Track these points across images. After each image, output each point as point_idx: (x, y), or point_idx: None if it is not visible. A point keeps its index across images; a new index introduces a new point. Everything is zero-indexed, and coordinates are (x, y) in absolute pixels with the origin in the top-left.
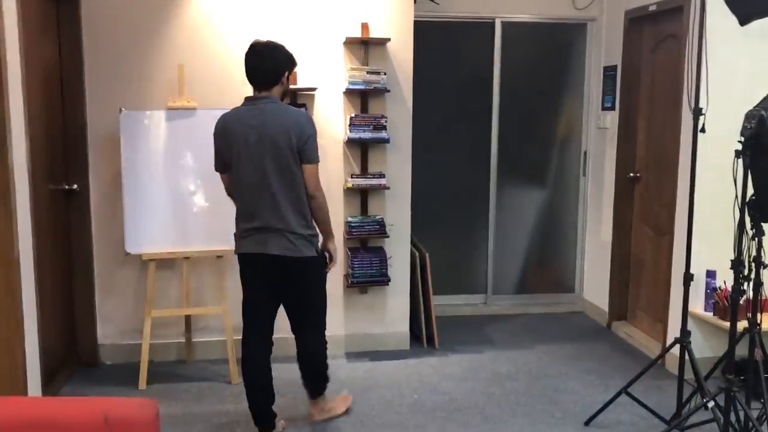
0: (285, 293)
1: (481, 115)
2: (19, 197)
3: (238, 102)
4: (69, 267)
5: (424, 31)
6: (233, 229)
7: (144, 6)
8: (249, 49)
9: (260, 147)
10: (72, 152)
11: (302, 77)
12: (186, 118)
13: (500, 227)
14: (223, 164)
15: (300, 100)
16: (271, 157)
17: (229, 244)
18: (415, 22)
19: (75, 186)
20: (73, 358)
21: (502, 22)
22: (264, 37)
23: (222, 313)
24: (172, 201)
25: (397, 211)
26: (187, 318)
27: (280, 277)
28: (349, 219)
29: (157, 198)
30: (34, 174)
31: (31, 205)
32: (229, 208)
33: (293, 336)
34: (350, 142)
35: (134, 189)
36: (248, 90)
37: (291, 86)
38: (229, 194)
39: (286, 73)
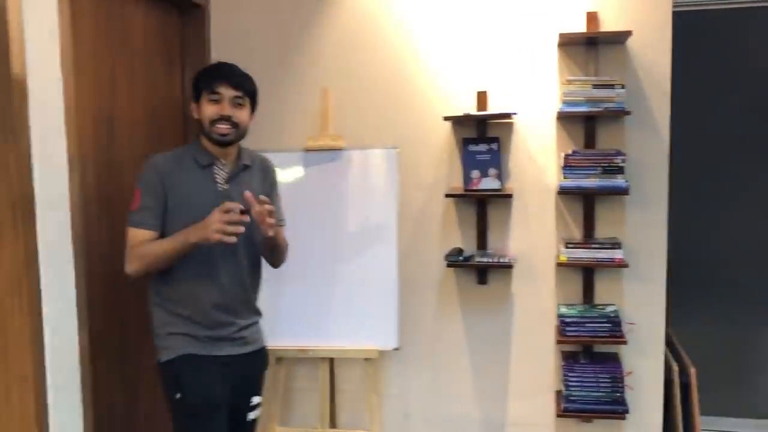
0: None
1: None
2: (51, 281)
3: (404, 139)
4: None
5: (681, 25)
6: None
7: (283, 15)
8: None
9: None
10: None
11: (494, 98)
12: (330, 161)
13: None
14: None
15: (492, 131)
16: None
17: (380, 339)
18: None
19: None
20: None
21: None
22: (437, 44)
23: None
24: (309, 276)
25: (641, 301)
26: None
27: None
28: (563, 310)
29: (289, 271)
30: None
31: (84, 292)
32: (387, 288)
33: None
34: (566, 193)
35: None
36: (416, 120)
37: (477, 113)
38: None
39: None
